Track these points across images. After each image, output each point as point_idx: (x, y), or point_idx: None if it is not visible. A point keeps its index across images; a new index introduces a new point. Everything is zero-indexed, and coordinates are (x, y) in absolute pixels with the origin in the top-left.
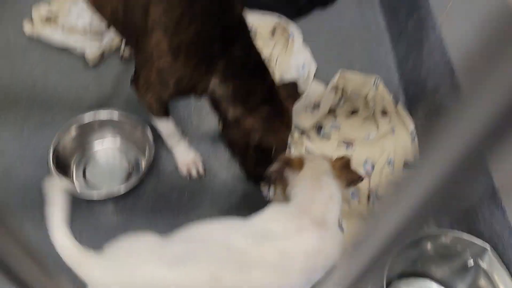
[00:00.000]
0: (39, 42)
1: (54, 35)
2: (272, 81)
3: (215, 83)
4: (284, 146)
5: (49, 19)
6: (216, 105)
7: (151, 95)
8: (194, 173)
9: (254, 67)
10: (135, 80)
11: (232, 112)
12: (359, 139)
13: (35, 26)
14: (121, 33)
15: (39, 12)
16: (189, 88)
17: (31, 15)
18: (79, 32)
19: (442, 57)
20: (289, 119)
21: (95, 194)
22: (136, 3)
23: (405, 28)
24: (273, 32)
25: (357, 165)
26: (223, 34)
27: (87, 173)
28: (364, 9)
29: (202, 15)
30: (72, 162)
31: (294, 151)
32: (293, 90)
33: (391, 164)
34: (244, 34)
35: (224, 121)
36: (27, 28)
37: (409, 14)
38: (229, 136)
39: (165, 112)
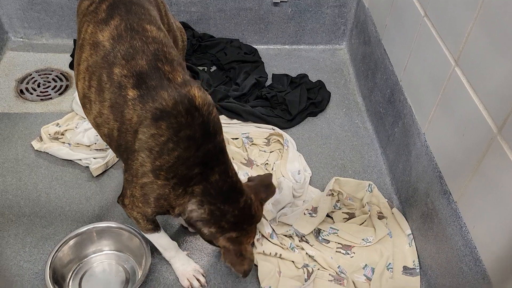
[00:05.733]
0: (45, 158)
1: (61, 150)
2: (244, 202)
3: (192, 207)
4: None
5: (57, 136)
6: (191, 224)
7: (137, 211)
8: (195, 284)
9: (228, 192)
10: (122, 197)
11: (207, 231)
12: (357, 244)
13: (44, 142)
14: (114, 150)
15: (48, 130)
16: (167, 206)
17: (39, 135)
18: (85, 146)
19: (429, 163)
20: (252, 235)
21: None
22: (129, 127)
23: (393, 134)
24: (268, 140)
25: (356, 270)
26: (203, 160)
27: (83, 284)
28: (353, 115)
29: (185, 142)
30: (69, 273)
31: (298, 253)
32: (267, 187)
33: (391, 269)
34: (223, 160)
35: (200, 234)
36: (36, 144)
37: (395, 122)
38: (206, 240)
39: (153, 227)
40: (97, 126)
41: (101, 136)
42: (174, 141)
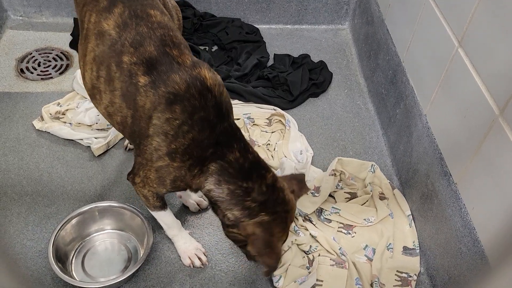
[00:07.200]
0: (47, 138)
1: (63, 130)
2: (272, 178)
3: (210, 186)
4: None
5: (58, 116)
6: (214, 206)
7: (148, 189)
8: (197, 263)
9: (251, 168)
10: (132, 175)
11: (230, 215)
12: (359, 224)
13: (45, 121)
14: (128, 137)
15: (49, 110)
16: (184, 186)
17: (40, 114)
18: (86, 126)
19: (430, 144)
20: (288, 220)
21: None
22: (142, 113)
23: (394, 115)
24: (269, 121)
25: (357, 250)
26: (218, 140)
27: (85, 262)
28: (354, 96)
29: (199, 124)
30: (72, 252)
31: (303, 236)
32: (299, 183)
33: (391, 249)
34: (240, 136)
35: (222, 221)
36: (37, 123)
37: (397, 103)
38: (230, 234)
39: (161, 205)
40: (109, 115)
41: (113, 125)
42: (189, 124)
